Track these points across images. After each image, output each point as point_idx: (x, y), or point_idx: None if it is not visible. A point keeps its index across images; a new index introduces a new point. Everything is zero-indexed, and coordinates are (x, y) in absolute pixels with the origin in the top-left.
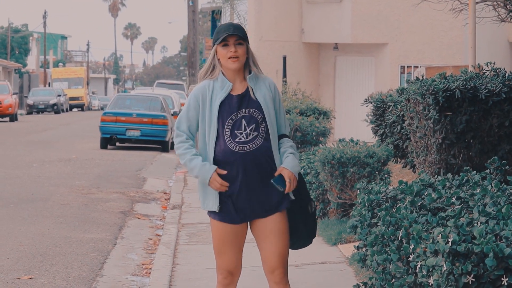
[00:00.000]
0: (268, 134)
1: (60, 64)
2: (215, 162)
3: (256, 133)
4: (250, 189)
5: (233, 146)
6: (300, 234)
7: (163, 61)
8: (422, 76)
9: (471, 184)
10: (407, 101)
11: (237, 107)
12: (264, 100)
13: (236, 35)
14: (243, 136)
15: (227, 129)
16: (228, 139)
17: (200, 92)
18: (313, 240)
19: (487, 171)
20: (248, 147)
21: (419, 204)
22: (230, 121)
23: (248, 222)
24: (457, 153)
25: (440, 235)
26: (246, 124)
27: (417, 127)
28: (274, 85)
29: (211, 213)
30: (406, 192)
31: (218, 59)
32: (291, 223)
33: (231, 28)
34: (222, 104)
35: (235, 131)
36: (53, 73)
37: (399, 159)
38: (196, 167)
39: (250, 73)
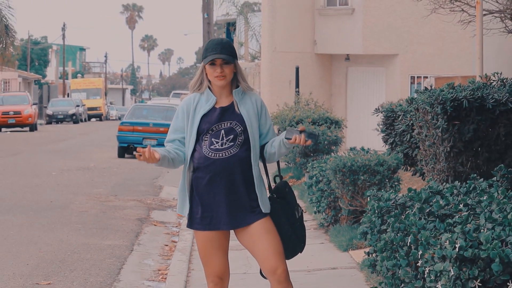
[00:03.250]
0: (247, 145)
1: (79, 75)
2: (194, 168)
3: (232, 143)
4: (221, 196)
5: (207, 152)
6: (289, 239)
7: (179, 72)
8: (431, 86)
9: (478, 191)
10: (416, 110)
11: (219, 119)
12: (247, 114)
13: (222, 58)
14: (218, 145)
15: (206, 138)
16: (205, 147)
17: (186, 104)
18: (324, 246)
19: (494, 178)
20: (221, 154)
21: (428, 211)
22: (210, 131)
23: (233, 231)
24: (465, 161)
25: (447, 241)
26: (224, 134)
27: (426, 136)
28: (261, 101)
29: (190, 224)
30: (415, 199)
31: (206, 74)
32: (278, 229)
33: (219, 47)
34: (205, 116)
35: (213, 139)
36: (72, 84)
37: (408, 167)
38: None
39: (237, 87)
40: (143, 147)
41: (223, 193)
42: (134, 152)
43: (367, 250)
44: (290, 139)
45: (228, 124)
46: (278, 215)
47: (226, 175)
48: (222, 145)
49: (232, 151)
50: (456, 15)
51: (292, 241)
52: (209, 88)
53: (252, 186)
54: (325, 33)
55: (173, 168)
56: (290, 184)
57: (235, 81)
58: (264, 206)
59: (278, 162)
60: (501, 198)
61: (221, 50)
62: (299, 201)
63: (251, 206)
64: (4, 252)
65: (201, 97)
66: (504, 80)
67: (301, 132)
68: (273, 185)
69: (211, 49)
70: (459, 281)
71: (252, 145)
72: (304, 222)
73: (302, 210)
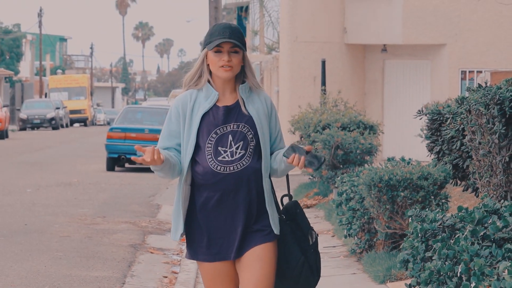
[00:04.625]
0: (259, 153)
1: (59, 71)
2: (193, 184)
3: (243, 152)
4: (236, 218)
5: (215, 165)
6: (300, 269)
7: (180, 66)
8: (486, 83)
9: None
10: (468, 112)
11: (224, 120)
12: (257, 114)
13: (232, 42)
14: (227, 155)
15: (210, 145)
16: (209, 157)
17: (181, 102)
18: (357, 277)
19: None
20: (232, 168)
21: (482, 234)
22: (214, 135)
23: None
24: None
25: (506, 271)
26: (232, 140)
27: (479, 143)
28: (271, 101)
29: (193, 255)
30: (466, 220)
31: (208, 65)
32: (287, 256)
33: (227, 32)
34: (205, 116)
35: (219, 148)
36: (51, 81)
37: (458, 181)
38: None
39: (243, 83)
40: (137, 156)
41: (239, 214)
42: (133, 158)
43: (408, 281)
44: (288, 157)
45: (235, 127)
46: (288, 239)
47: (240, 192)
48: (232, 155)
49: (244, 162)
50: None
51: (304, 271)
52: (209, 82)
53: (263, 202)
54: (357, 19)
55: (170, 178)
56: (314, 202)
57: (241, 76)
58: (276, 226)
59: (287, 177)
60: None
61: (230, 35)
62: (325, 223)
63: (262, 225)
64: None
65: (198, 93)
66: None
67: (306, 152)
68: (281, 206)
69: (217, 33)
70: None
71: (264, 152)
72: (333, 248)
73: (317, 235)
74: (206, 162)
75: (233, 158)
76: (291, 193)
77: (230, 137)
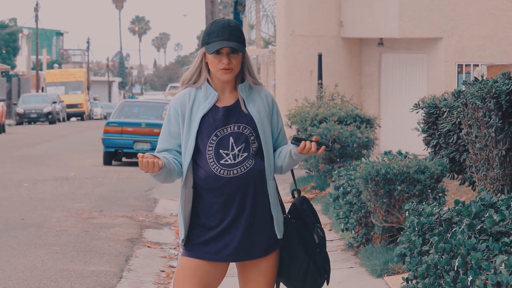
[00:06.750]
0: (261, 155)
1: (56, 65)
2: (196, 189)
3: (246, 154)
4: (236, 222)
5: (218, 169)
6: (305, 271)
7: (177, 61)
8: (482, 76)
9: None
10: (464, 106)
11: (224, 122)
12: (258, 114)
13: (231, 47)
14: (230, 158)
15: (211, 148)
16: (211, 161)
17: (179, 102)
18: (354, 271)
19: None
20: (235, 171)
21: (479, 228)
22: (214, 137)
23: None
24: None
25: (503, 265)
26: (234, 143)
27: (476, 136)
28: (272, 97)
29: (189, 252)
30: (463, 214)
31: (206, 63)
32: (292, 258)
33: (226, 32)
34: (205, 118)
35: (221, 151)
36: (47, 76)
37: (455, 175)
38: None
39: (242, 81)
40: (142, 152)
41: (244, 218)
42: (139, 154)
43: (405, 275)
44: (298, 144)
45: (236, 128)
46: (291, 240)
47: (245, 195)
48: (235, 157)
49: (248, 165)
50: None
51: (310, 272)
52: (207, 81)
53: (268, 205)
54: (353, 12)
55: (168, 183)
56: (312, 196)
57: (241, 74)
58: (280, 230)
59: (292, 171)
60: None
61: (229, 36)
62: (322, 217)
63: (269, 231)
64: None
65: (197, 92)
66: None
67: (317, 143)
68: (290, 200)
69: (216, 34)
70: None
71: (266, 154)
72: (330, 242)
73: (324, 232)
74: (208, 166)
75: (236, 161)
76: (291, 190)
77: (231, 139)
